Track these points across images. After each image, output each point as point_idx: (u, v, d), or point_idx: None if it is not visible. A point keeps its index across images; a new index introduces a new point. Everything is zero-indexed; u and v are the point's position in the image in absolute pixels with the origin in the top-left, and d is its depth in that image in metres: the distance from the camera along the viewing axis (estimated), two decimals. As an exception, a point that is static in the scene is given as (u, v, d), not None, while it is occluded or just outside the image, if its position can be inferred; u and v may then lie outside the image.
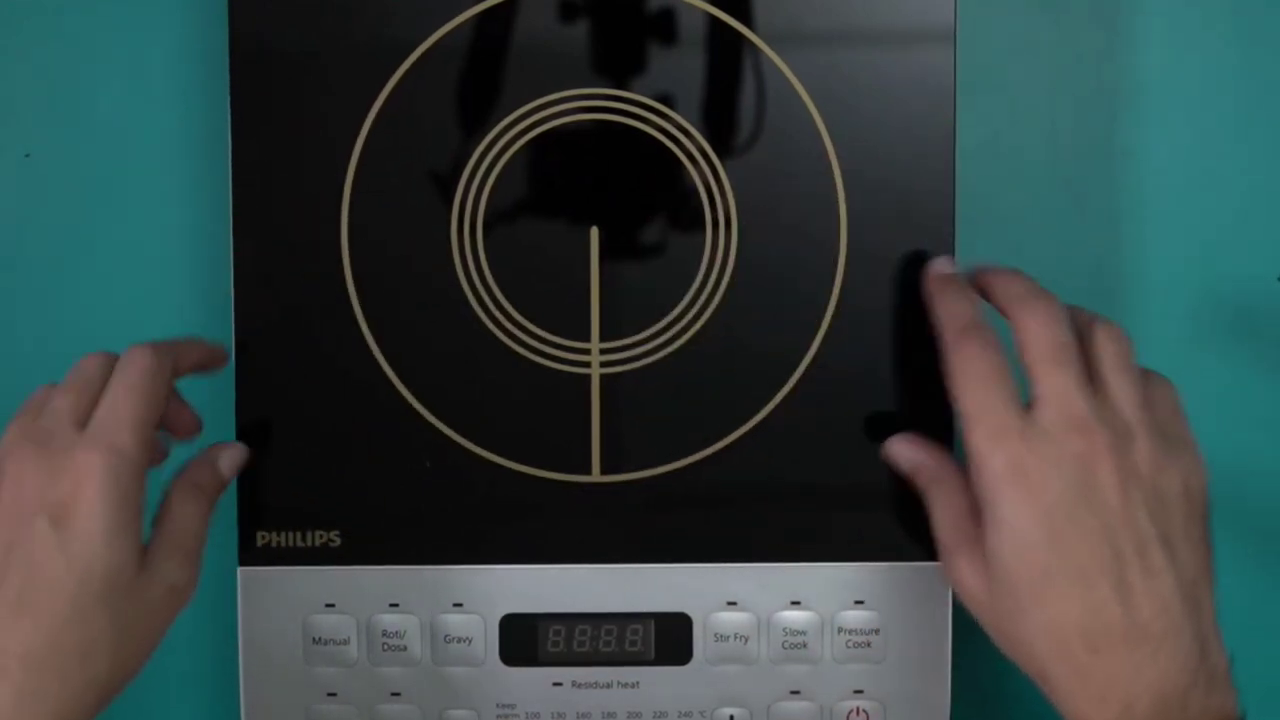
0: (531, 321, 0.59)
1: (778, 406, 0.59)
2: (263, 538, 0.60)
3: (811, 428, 0.59)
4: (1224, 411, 0.66)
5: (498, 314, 0.59)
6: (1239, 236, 0.65)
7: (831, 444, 0.59)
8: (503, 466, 0.60)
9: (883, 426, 0.59)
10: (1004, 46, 0.65)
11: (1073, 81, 0.65)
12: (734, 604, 0.60)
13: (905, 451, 0.56)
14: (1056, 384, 0.51)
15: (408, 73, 0.59)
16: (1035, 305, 0.53)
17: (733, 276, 0.59)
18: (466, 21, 0.59)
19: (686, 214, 0.59)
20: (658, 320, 0.59)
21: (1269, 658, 0.66)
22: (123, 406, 0.53)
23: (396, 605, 0.60)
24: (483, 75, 0.59)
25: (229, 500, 0.60)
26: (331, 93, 0.59)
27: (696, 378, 0.59)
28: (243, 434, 0.59)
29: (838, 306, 0.59)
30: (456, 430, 0.60)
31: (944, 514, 0.54)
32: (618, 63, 0.59)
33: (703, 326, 0.59)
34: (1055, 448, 0.50)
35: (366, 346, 0.59)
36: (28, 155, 0.65)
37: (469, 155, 0.59)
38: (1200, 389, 0.65)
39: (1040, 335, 0.53)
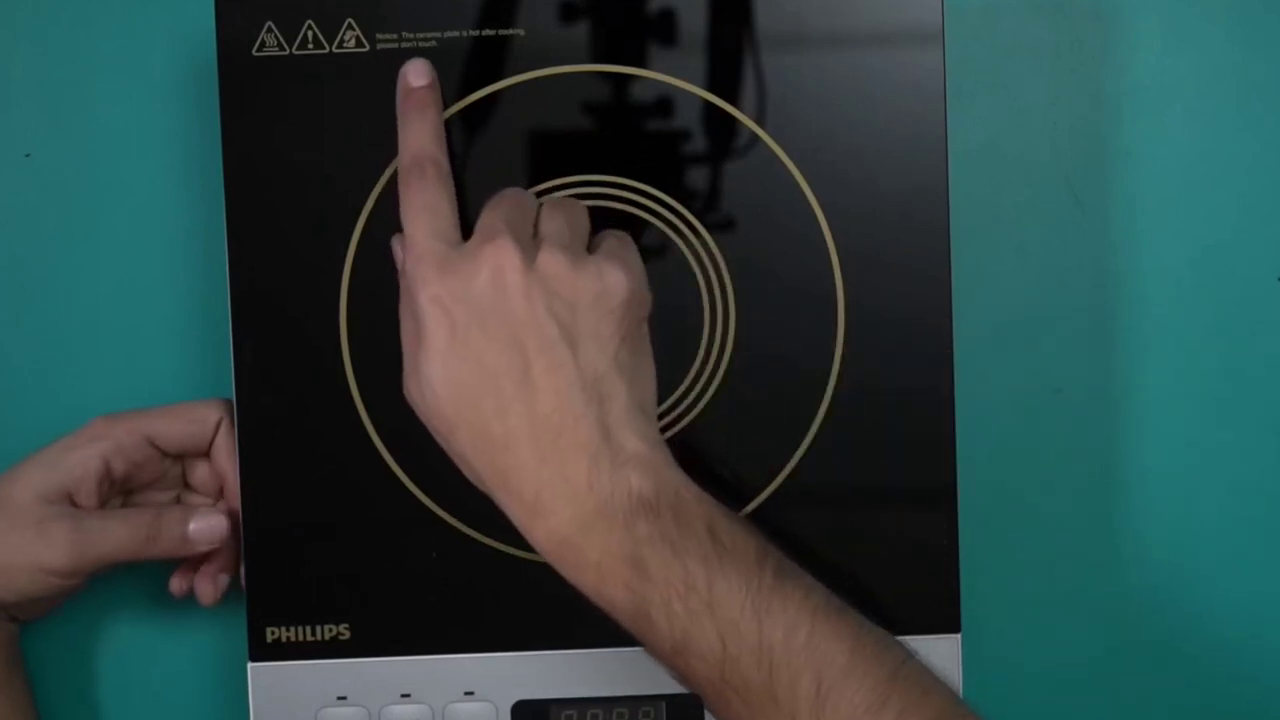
0: None
1: (782, 483, 0.60)
2: (272, 633, 0.60)
3: (818, 503, 0.59)
4: (1224, 411, 0.66)
5: None
6: (1239, 236, 0.65)
7: (838, 518, 0.59)
8: (509, 554, 0.60)
9: (888, 498, 0.59)
10: (1004, 47, 0.65)
11: (1072, 81, 0.65)
12: None
13: (398, 253, 0.57)
14: (488, 216, 0.54)
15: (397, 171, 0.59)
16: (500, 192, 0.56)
17: (732, 354, 0.59)
18: (467, 106, 0.59)
19: (682, 293, 0.59)
20: (660, 402, 0.59)
21: (1270, 654, 0.66)
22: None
23: (408, 696, 0.60)
24: (480, 161, 0.59)
25: (237, 597, 0.60)
26: (328, 190, 0.59)
27: (699, 459, 0.59)
28: (249, 530, 0.60)
29: (841, 373, 0.59)
30: (461, 519, 0.60)
31: (406, 333, 0.55)
32: (611, 149, 0.59)
33: (705, 406, 0.60)
34: (471, 264, 0.52)
35: (369, 439, 0.60)
36: (28, 155, 0.65)
37: None
38: (1200, 389, 0.66)
39: (494, 197, 0.56)
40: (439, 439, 0.53)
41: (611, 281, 0.53)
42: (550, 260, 0.53)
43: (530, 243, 0.53)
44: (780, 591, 0.50)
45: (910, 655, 0.50)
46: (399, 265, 0.57)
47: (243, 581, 0.61)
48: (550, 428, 0.51)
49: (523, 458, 0.51)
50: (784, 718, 0.49)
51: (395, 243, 0.58)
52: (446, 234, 0.54)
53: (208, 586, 0.61)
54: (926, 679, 0.50)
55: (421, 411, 0.53)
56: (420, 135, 0.56)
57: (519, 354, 0.52)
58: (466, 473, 0.53)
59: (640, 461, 0.52)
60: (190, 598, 0.62)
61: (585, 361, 0.52)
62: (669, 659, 0.51)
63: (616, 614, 0.51)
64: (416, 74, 0.57)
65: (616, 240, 0.56)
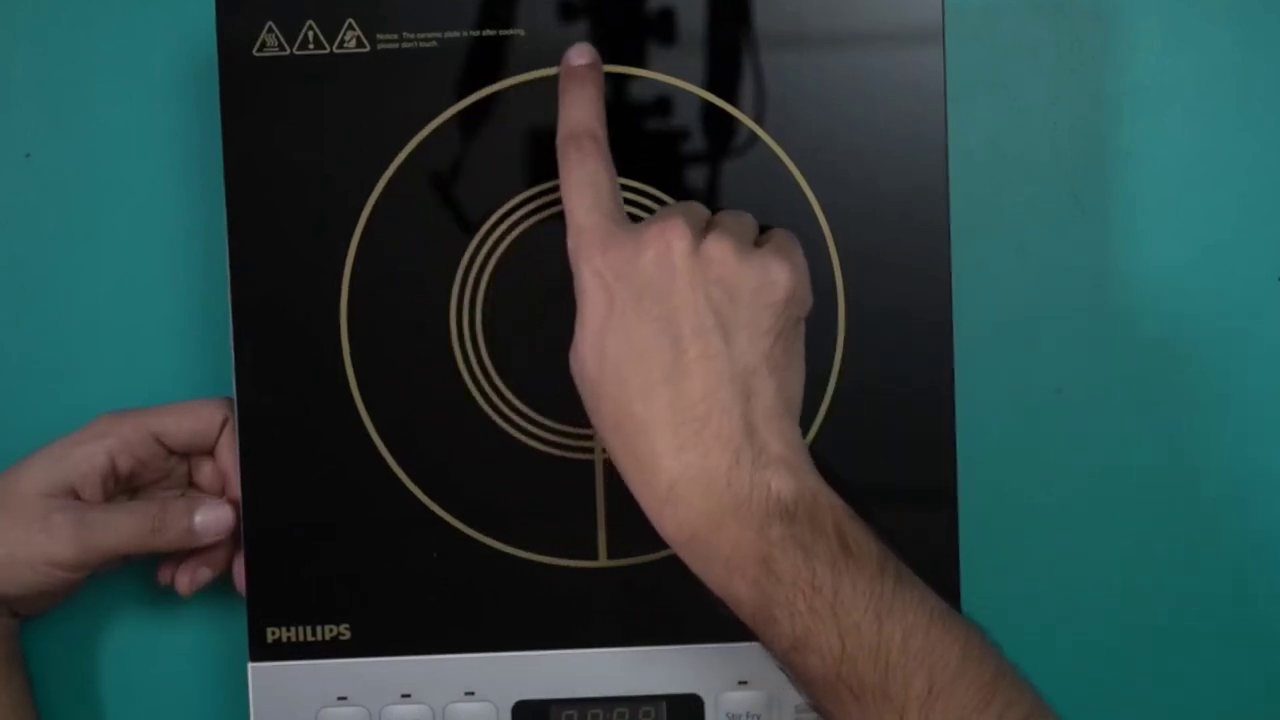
0: (534, 410, 0.60)
1: None
2: (273, 633, 0.60)
3: None
4: (1224, 413, 0.66)
5: (499, 403, 0.60)
6: (1239, 236, 0.65)
7: None
8: (509, 554, 0.60)
9: (888, 498, 0.59)
10: (1004, 47, 0.65)
11: (1072, 81, 0.65)
12: (745, 683, 0.60)
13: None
14: (662, 210, 0.54)
15: (401, 166, 0.59)
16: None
17: None
18: (467, 106, 0.59)
19: None
20: None
21: (1272, 650, 0.66)
22: None
23: (408, 696, 0.60)
24: (480, 161, 0.59)
25: (237, 597, 0.60)
26: (328, 190, 0.59)
27: None
28: (249, 530, 0.60)
29: (841, 373, 0.60)
30: (462, 520, 0.60)
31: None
32: (611, 149, 0.59)
33: None
34: (637, 240, 0.52)
35: (369, 439, 0.60)
36: (28, 155, 0.65)
37: (466, 246, 0.59)
38: (1200, 389, 0.66)
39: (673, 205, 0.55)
40: (588, 407, 0.53)
41: (775, 275, 0.53)
42: (716, 246, 0.52)
43: (700, 230, 0.53)
44: (900, 595, 0.50)
45: (1004, 657, 0.52)
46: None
47: (236, 582, 0.61)
48: (694, 417, 0.51)
49: (662, 444, 0.51)
50: (894, 715, 0.49)
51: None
52: (609, 208, 0.53)
53: (185, 578, 0.61)
54: (1020, 679, 0.51)
55: (577, 383, 0.53)
56: (581, 110, 0.56)
57: (672, 337, 0.51)
58: (607, 448, 0.53)
59: (782, 463, 0.51)
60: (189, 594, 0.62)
61: (738, 354, 0.52)
62: (785, 655, 0.51)
63: (739, 608, 0.51)
64: (579, 54, 0.57)
65: (785, 237, 0.55)
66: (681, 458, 0.51)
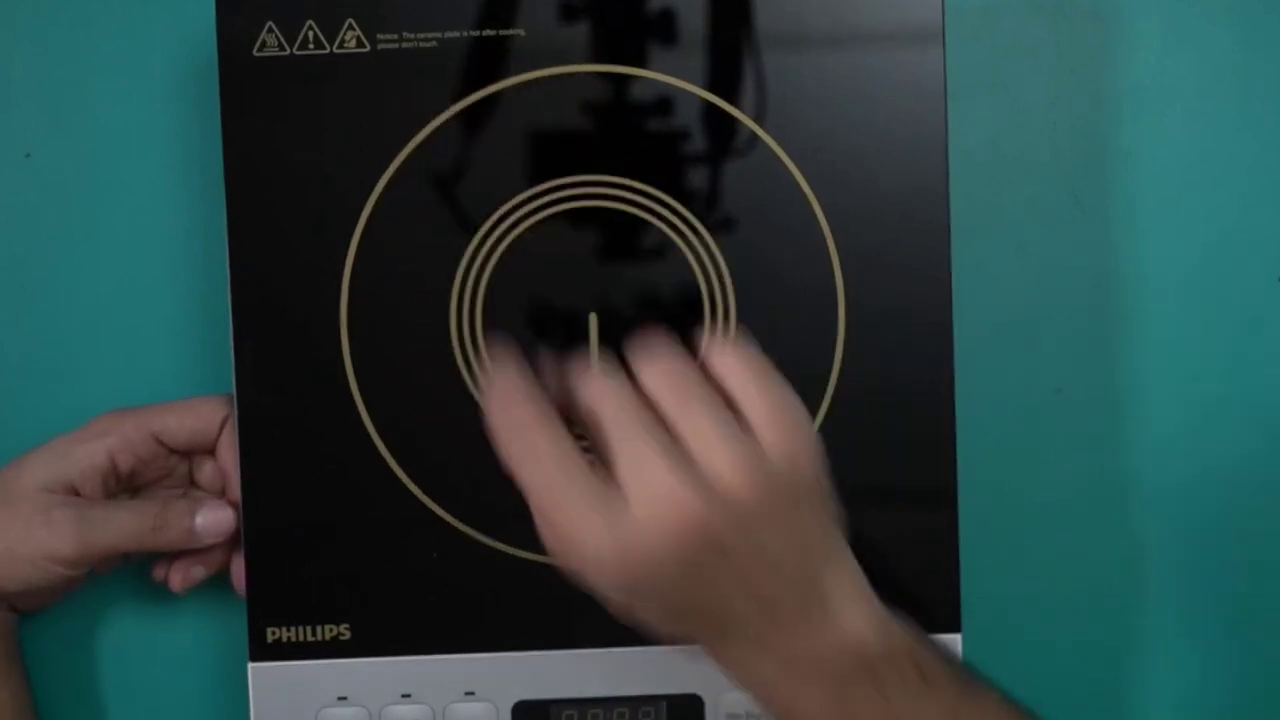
0: None
1: None
2: (273, 633, 0.60)
3: None
4: (1224, 413, 0.66)
5: None
6: (1239, 236, 0.65)
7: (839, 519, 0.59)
8: (509, 554, 0.60)
9: (888, 498, 0.59)
10: (1003, 47, 0.65)
11: (1072, 81, 0.65)
12: None
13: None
14: (618, 437, 0.48)
15: (401, 166, 0.59)
16: (587, 382, 0.49)
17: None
18: (467, 106, 0.59)
19: (682, 294, 0.59)
20: None
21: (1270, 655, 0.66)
22: None
23: (408, 696, 0.60)
24: (478, 165, 0.59)
25: (238, 598, 0.60)
26: (328, 190, 0.59)
27: None
28: (249, 530, 0.60)
29: (841, 373, 0.59)
30: (462, 520, 0.60)
31: None
32: (611, 149, 0.59)
33: None
34: (649, 544, 0.47)
35: (369, 439, 0.60)
36: (28, 155, 0.65)
37: (466, 246, 0.59)
38: (1200, 389, 0.66)
39: (593, 389, 0.49)
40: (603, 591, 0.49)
41: (802, 458, 0.49)
42: (739, 489, 0.48)
43: (697, 476, 0.47)
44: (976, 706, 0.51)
45: None
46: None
47: (235, 582, 0.61)
48: (775, 583, 0.49)
49: (745, 608, 0.49)
50: None
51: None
52: (596, 502, 0.48)
53: (178, 575, 0.61)
54: None
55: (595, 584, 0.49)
56: (511, 413, 0.50)
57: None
58: (648, 616, 0.50)
59: (861, 617, 0.50)
60: (189, 592, 0.62)
61: (809, 521, 0.50)
62: None
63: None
64: (497, 381, 0.50)
65: (754, 390, 0.49)
66: (766, 618, 0.50)
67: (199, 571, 0.61)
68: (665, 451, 0.47)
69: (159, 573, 0.62)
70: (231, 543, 0.61)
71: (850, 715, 0.50)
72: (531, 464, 0.48)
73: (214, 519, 0.60)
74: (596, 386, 0.49)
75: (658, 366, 0.49)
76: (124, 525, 0.59)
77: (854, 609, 0.51)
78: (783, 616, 0.50)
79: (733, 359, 0.50)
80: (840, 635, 0.50)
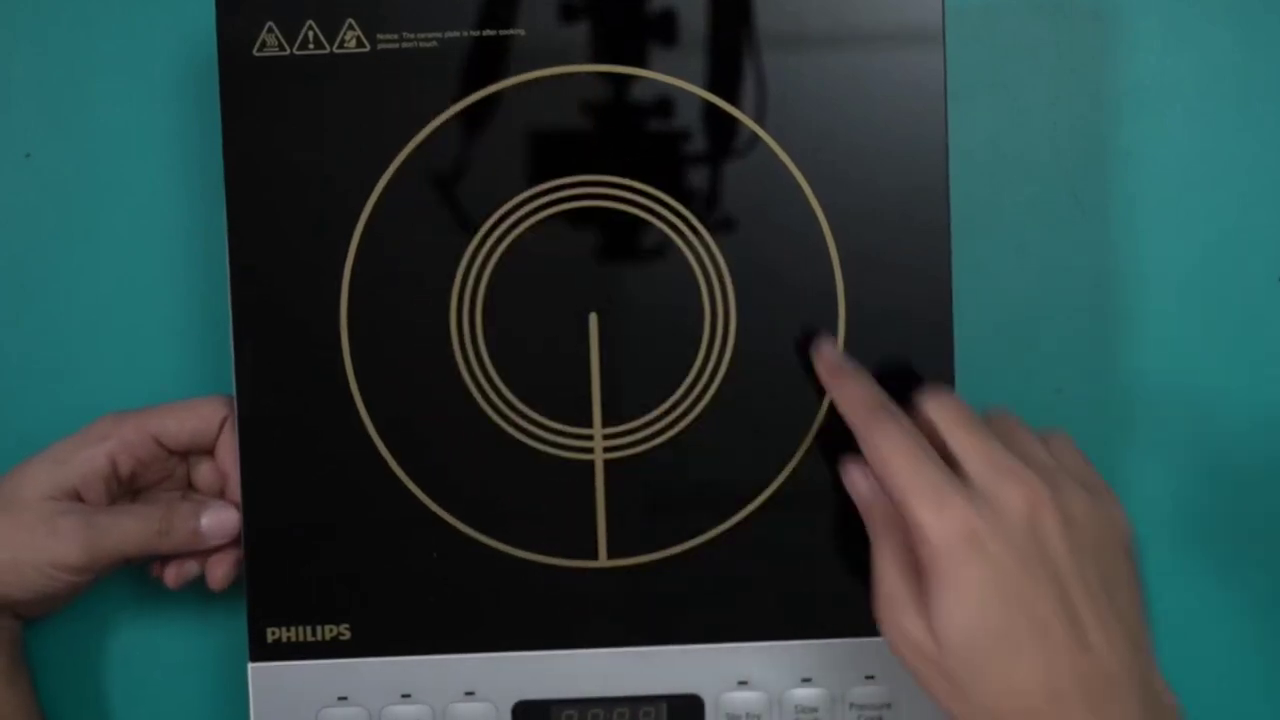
0: (533, 409, 0.60)
1: (782, 484, 0.60)
2: (273, 633, 0.60)
3: (817, 504, 0.59)
4: (1224, 412, 0.66)
5: (499, 403, 0.60)
6: (1239, 236, 0.65)
7: (839, 519, 0.59)
8: (509, 554, 0.60)
9: None
10: (1004, 47, 0.65)
11: (1072, 81, 0.65)
12: (745, 683, 0.60)
13: (864, 483, 0.56)
14: (972, 441, 0.52)
15: (401, 166, 0.59)
16: (933, 393, 0.55)
17: (732, 354, 0.59)
18: (467, 106, 0.59)
19: (682, 294, 0.59)
20: (660, 403, 0.59)
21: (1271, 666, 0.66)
22: None
23: (409, 696, 0.60)
24: (478, 165, 0.59)
25: (238, 597, 0.60)
26: (328, 190, 0.59)
27: (700, 459, 0.60)
28: (249, 530, 0.60)
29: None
30: (462, 520, 0.60)
31: (892, 563, 0.53)
32: (611, 149, 0.59)
33: (705, 407, 0.60)
34: (999, 503, 0.51)
35: (369, 439, 0.60)
36: (28, 155, 0.65)
37: (466, 246, 0.59)
38: (1200, 389, 0.66)
39: (939, 406, 0.54)
40: (938, 682, 0.51)
41: (1118, 516, 0.53)
42: (1076, 500, 0.51)
43: (1046, 477, 0.52)
44: None
45: None
46: (864, 503, 0.55)
47: (209, 578, 0.61)
48: (1104, 681, 0.50)
49: (1073, 711, 0.49)
50: None
51: (854, 473, 0.56)
52: (945, 471, 0.51)
53: (172, 571, 0.61)
54: None
55: (924, 653, 0.51)
56: (862, 388, 0.56)
57: (1066, 604, 0.50)
58: (966, 713, 0.51)
59: (1175, 712, 0.51)
60: (190, 593, 0.62)
61: (1123, 608, 0.51)
62: None
63: None
64: (825, 351, 0.58)
65: (1083, 459, 0.55)
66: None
67: (193, 567, 0.61)
68: (1014, 455, 0.52)
69: (155, 569, 0.62)
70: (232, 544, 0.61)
71: None
72: (888, 446, 0.52)
73: (219, 520, 0.60)
74: (940, 399, 0.54)
75: (1003, 415, 0.55)
76: (130, 530, 0.59)
77: (1170, 697, 0.51)
78: (1120, 677, 0.50)
79: (1066, 439, 0.55)
80: None
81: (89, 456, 0.59)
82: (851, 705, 0.60)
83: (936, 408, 0.54)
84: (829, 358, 0.58)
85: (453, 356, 0.60)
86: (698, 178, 0.59)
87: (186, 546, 0.60)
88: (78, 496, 0.59)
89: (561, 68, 0.59)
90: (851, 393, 0.56)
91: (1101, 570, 0.51)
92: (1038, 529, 0.51)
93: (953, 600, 0.50)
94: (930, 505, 0.51)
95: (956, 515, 0.50)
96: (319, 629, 0.60)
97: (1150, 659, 0.51)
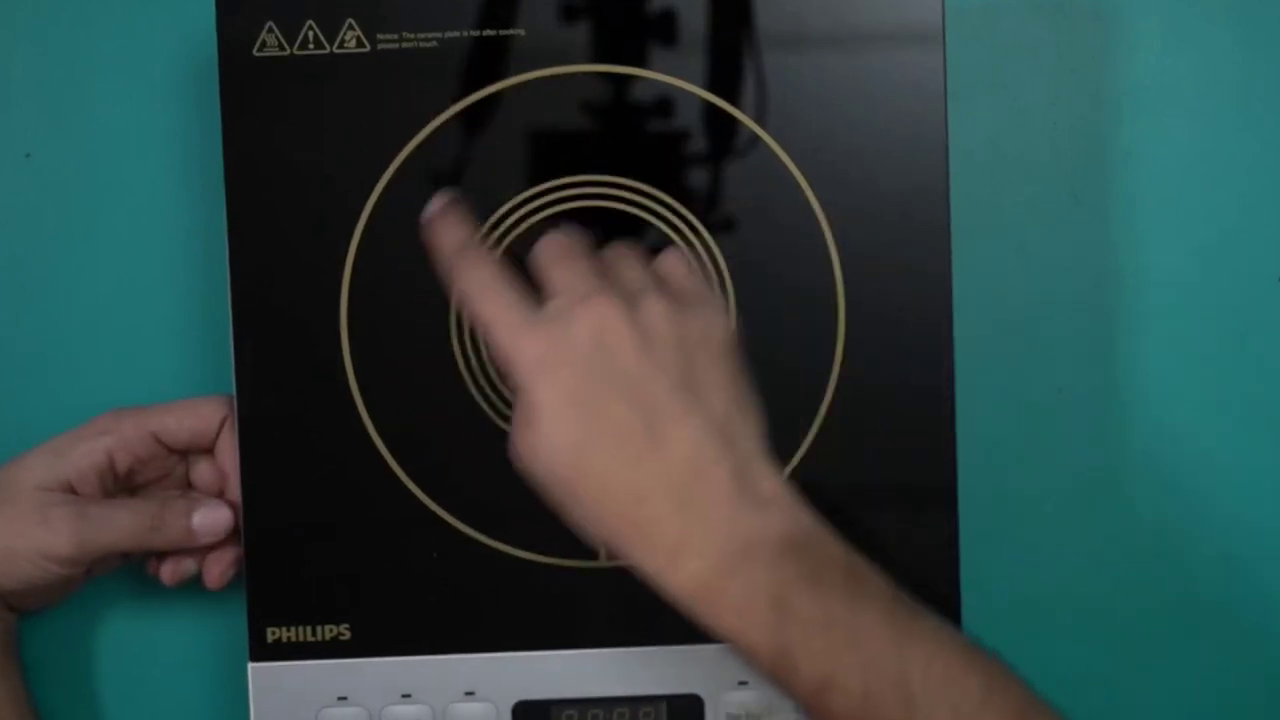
0: None
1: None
2: (273, 633, 0.60)
3: (816, 503, 0.59)
4: (1224, 412, 0.66)
5: (499, 403, 0.59)
6: (1239, 236, 0.65)
7: (838, 518, 0.59)
8: (509, 554, 0.60)
9: (888, 498, 0.59)
10: (1004, 47, 0.65)
11: (1072, 81, 0.65)
12: (745, 683, 0.60)
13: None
14: (562, 274, 0.53)
15: (401, 166, 0.59)
16: (545, 237, 0.56)
17: None
18: (467, 106, 0.59)
19: None
20: None
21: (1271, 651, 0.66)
22: None
23: (409, 696, 0.60)
24: (478, 165, 0.59)
25: (237, 596, 0.60)
26: (328, 190, 0.59)
27: None
28: (249, 530, 0.60)
29: (841, 373, 0.59)
30: (462, 520, 0.60)
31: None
32: (611, 149, 0.59)
33: None
34: (567, 327, 0.52)
35: (369, 439, 0.60)
36: (28, 155, 0.65)
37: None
38: (1200, 389, 0.66)
39: (545, 248, 0.55)
40: (557, 500, 0.52)
41: (712, 319, 0.53)
42: (652, 311, 0.52)
43: (622, 296, 0.53)
44: (916, 625, 0.50)
45: (1030, 689, 0.51)
46: (490, 346, 0.56)
47: (206, 577, 0.61)
48: (686, 476, 0.51)
49: (660, 509, 0.51)
50: None
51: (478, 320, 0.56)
52: (515, 300, 0.53)
53: (169, 568, 0.61)
54: (1051, 712, 0.51)
55: (538, 476, 0.52)
56: (450, 238, 0.56)
57: (641, 408, 0.51)
58: (591, 530, 0.52)
59: (778, 501, 0.51)
60: (189, 591, 0.62)
61: (709, 405, 0.52)
62: (809, 699, 0.50)
63: (756, 658, 0.50)
64: (434, 203, 0.57)
65: (685, 270, 0.56)
66: (682, 516, 0.51)
67: (189, 565, 0.61)
68: (595, 276, 0.53)
69: (152, 566, 0.62)
70: (229, 541, 0.61)
71: (781, 606, 0.50)
72: (471, 277, 0.54)
73: (212, 518, 0.60)
74: (549, 238, 0.55)
75: (614, 248, 0.56)
76: (122, 524, 0.59)
77: (773, 485, 0.52)
78: (705, 470, 0.51)
79: (674, 256, 0.56)
80: (764, 514, 0.51)
81: (87, 450, 0.59)
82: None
83: (539, 246, 0.55)
84: (433, 207, 0.57)
85: (453, 356, 0.60)
86: (698, 178, 0.59)
87: (179, 543, 0.60)
88: (73, 490, 0.59)
89: (561, 68, 0.59)
90: (442, 239, 0.56)
91: (684, 373, 0.52)
92: (605, 344, 0.51)
93: (535, 424, 0.51)
94: (504, 333, 0.52)
95: (527, 342, 0.52)
96: (319, 629, 0.60)
97: (751, 452, 0.52)
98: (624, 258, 0.55)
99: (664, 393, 0.51)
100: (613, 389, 0.51)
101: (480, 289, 0.54)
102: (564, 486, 0.52)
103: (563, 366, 0.51)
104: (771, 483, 0.52)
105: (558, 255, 0.54)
